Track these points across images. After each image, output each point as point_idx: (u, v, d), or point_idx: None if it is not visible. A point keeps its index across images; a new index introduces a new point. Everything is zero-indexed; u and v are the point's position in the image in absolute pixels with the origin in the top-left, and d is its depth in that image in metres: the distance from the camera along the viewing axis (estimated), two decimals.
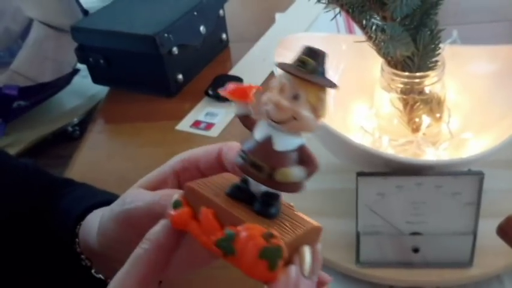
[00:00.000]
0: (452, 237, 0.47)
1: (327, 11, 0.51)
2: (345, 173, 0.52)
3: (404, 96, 0.53)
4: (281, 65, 0.24)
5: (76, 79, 1.28)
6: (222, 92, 0.27)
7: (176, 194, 0.29)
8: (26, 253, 0.46)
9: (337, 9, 0.50)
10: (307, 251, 0.26)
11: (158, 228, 0.29)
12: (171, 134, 0.76)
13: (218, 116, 0.78)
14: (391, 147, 0.56)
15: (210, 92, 0.82)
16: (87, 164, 0.72)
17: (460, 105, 0.58)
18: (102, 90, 0.95)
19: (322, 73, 0.24)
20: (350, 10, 0.50)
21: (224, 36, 0.95)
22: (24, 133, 1.19)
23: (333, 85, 0.24)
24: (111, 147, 0.77)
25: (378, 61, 0.54)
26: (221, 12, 0.92)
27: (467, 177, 0.44)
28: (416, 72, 0.51)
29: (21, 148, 1.15)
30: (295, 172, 0.25)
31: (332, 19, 0.51)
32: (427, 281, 0.49)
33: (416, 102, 0.53)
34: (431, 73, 0.51)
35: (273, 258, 0.24)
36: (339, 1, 0.49)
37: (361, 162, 0.51)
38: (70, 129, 1.38)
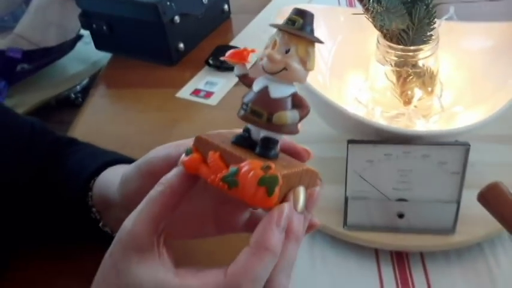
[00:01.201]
0: (436, 204, 0.49)
1: None
2: (337, 142, 0.54)
3: (398, 69, 0.54)
4: (273, 24, 0.27)
5: (79, 45, 1.29)
6: (223, 57, 0.31)
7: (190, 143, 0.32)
8: (34, 206, 0.49)
9: None
10: (301, 190, 0.30)
11: (171, 173, 0.32)
12: (171, 101, 0.77)
13: (217, 85, 0.79)
14: (383, 118, 0.58)
15: (211, 62, 0.83)
16: (89, 127, 0.74)
17: (453, 80, 0.60)
18: (104, 56, 0.96)
19: (310, 30, 0.28)
20: None
21: (226, 7, 0.95)
22: (27, 96, 1.20)
23: (319, 40, 0.28)
24: (113, 111, 0.79)
25: (375, 34, 0.55)
26: None
27: (453, 147, 0.46)
28: (410, 45, 0.53)
29: (24, 110, 1.17)
30: (290, 115, 0.29)
31: None
32: (411, 245, 0.51)
33: (410, 75, 0.54)
34: (425, 47, 0.53)
35: (271, 185, 0.27)
36: None
37: (353, 132, 0.52)
38: (73, 95, 1.39)
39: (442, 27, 0.55)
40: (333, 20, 0.62)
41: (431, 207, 0.49)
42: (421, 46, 0.53)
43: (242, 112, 0.30)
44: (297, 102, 0.29)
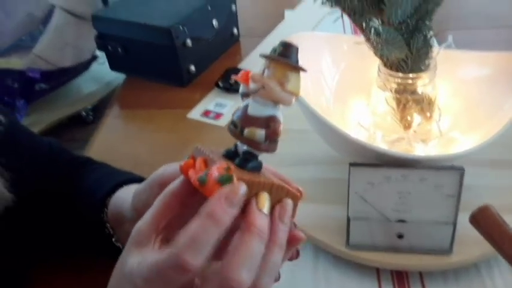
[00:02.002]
0: (434, 225, 0.52)
1: (331, 14, 0.55)
2: (339, 164, 0.56)
3: (398, 96, 0.57)
4: (261, 54, 0.32)
5: (94, 65, 1.33)
6: (235, 76, 0.35)
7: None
8: (52, 221, 0.52)
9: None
10: (264, 194, 0.33)
11: (175, 181, 0.35)
12: (182, 122, 0.81)
13: (227, 107, 0.82)
14: (384, 142, 0.60)
15: (220, 84, 0.86)
16: (103, 146, 0.77)
17: (450, 106, 0.62)
18: (117, 77, 1.00)
19: (292, 58, 0.32)
20: (351, 13, 0.54)
21: (235, 30, 0.99)
22: (43, 115, 1.25)
23: (296, 67, 0.31)
24: (127, 131, 0.82)
25: (376, 62, 0.58)
26: (233, 7, 0.96)
27: (449, 171, 0.49)
28: (409, 73, 0.55)
29: (41, 129, 1.22)
30: (257, 132, 0.33)
31: (335, 21, 0.56)
32: (410, 265, 0.53)
33: (409, 102, 0.57)
34: (423, 75, 0.56)
35: (225, 182, 0.31)
36: (341, 5, 0.54)
37: (355, 155, 0.55)
38: (84, 113, 1.44)
39: (440, 55, 0.58)
40: (337, 48, 0.65)
41: (429, 228, 0.52)
42: (420, 74, 0.56)
43: (229, 126, 0.34)
44: (270, 124, 0.33)
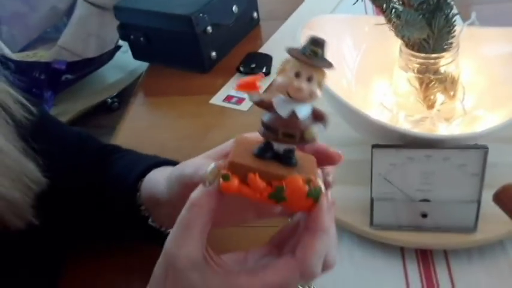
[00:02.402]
0: (458, 204, 0.52)
1: None
2: (362, 145, 0.56)
3: (421, 76, 0.57)
4: (298, 55, 0.31)
5: (117, 54, 1.35)
6: (235, 88, 0.35)
7: (212, 164, 0.35)
8: (86, 209, 0.54)
9: None
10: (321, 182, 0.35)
11: (201, 194, 0.34)
12: (205, 107, 0.82)
13: None
14: (407, 122, 0.60)
15: (241, 69, 0.87)
16: (130, 133, 0.79)
17: (475, 84, 0.62)
18: (141, 65, 1.01)
19: (326, 59, 0.31)
20: None
21: (255, 14, 0.99)
22: (70, 104, 1.28)
23: (332, 67, 0.31)
24: (151, 118, 0.84)
25: (397, 42, 0.58)
26: None
27: (472, 150, 0.49)
28: (431, 53, 0.55)
29: (69, 118, 1.25)
30: (316, 129, 0.34)
31: (354, 3, 0.56)
32: (434, 243, 0.54)
33: (432, 81, 0.57)
34: (445, 54, 0.55)
35: (317, 195, 0.33)
36: None
37: (378, 136, 0.55)
38: (109, 100, 1.46)
39: (463, 32, 0.57)
40: (358, 30, 0.65)
41: (453, 207, 0.52)
42: (442, 53, 0.55)
43: (267, 133, 0.34)
44: (318, 116, 0.34)
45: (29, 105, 0.49)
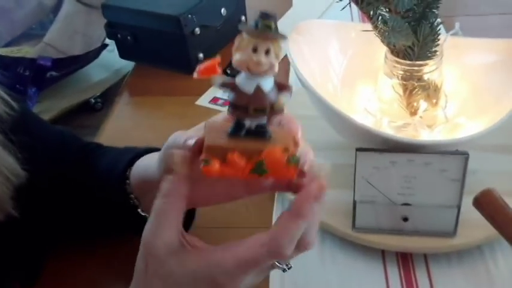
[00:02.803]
0: (438, 209, 0.53)
1: (338, 1, 0.56)
2: (346, 149, 0.57)
3: (405, 82, 0.58)
4: (252, 31, 0.32)
5: (103, 53, 1.35)
6: (195, 75, 0.35)
7: (176, 151, 0.36)
8: (72, 205, 0.54)
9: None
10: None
11: (171, 185, 0.36)
12: (191, 108, 0.82)
13: None
14: (390, 128, 0.61)
15: (228, 71, 0.87)
16: (114, 133, 0.79)
17: (457, 91, 0.63)
18: (127, 65, 1.01)
19: (277, 29, 0.33)
20: (359, 1, 0.55)
21: (243, 17, 1.00)
22: (54, 102, 1.27)
23: (286, 37, 0.33)
24: (136, 118, 0.84)
25: (383, 49, 0.59)
26: None
27: (453, 156, 0.50)
28: (416, 60, 0.56)
29: (52, 116, 1.24)
30: (284, 99, 0.35)
31: (342, 9, 0.57)
32: (415, 247, 0.55)
33: (415, 88, 0.58)
34: (429, 62, 0.57)
35: (296, 161, 0.34)
36: None
37: (362, 140, 0.56)
38: (92, 100, 1.45)
39: (447, 42, 0.58)
40: (345, 35, 0.66)
41: (434, 211, 0.53)
42: (426, 61, 0.56)
43: (237, 112, 0.34)
44: (282, 86, 0.35)
45: (11, 101, 0.49)
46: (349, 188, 0.54)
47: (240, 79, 0.34)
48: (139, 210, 0.52)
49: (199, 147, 0.36)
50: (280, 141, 0.35)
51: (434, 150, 0.51)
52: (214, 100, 0.83)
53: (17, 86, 1.14)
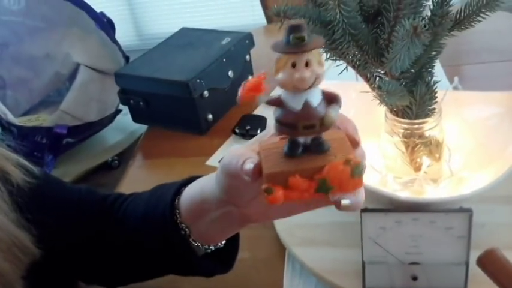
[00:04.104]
0: (447, 266, 0.53)
1: (336, 66, 0.59)
2: None
3: (406, 140, 0.59)
4: (285, 49, 0.31)
5: (118, 117, 1.39)
6: (239, 96, 0.35)
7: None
8: (101, 260, 0.54)
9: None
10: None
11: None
12: (202, 169, 0.84)
13: None
14: (396, 184, 0.62)
15: (237, 131, 0.90)
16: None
17: (461, 145, 0.64)
18: (141, 126, 1.05)
19: (311, 37, 0.31)
20: (355, 65, 0.57)
21: (250, 78, 1.03)
22: (71, 166, 1.31)
23: (322, 41, 0.32)
24: (149, 180, 0.85)
25: (383, 108, 0.61)
26: (247, 57, 1.01)
27: (457, 214, 0.50)
28: (415, 119, 0.58)
29: (69, 180, 1.27)
30: (334, 112, 0.33)
31: (340, 73, 0.59)
32: None
33: (417, 145, 0.59)
34: (429, 119, 0.58)
35: (360, 172, 0.32)
36: (346, 58, 0.57)
37: (369, 199, 0.57)
38: (109, 159, 1.49)
39: (447, 96, 0.60)
40: (345, 96, 0.67)
41: (443, 269, 0.53)
42: (426, 119, 0.58)
43: (288, 130, 0.33)
44: (330, 97, 0.33)
45: (31, 167, 0.49)
46: (357, 246, 0.54)
47: (286, 96, 0.32)
48: (191, 239, 0.50)
49: (259, 170, 0.35)
50: (339, 150, 0.33)
51: (440, 208, 0.52)
52: None
53: (35, 153, 1.18)
